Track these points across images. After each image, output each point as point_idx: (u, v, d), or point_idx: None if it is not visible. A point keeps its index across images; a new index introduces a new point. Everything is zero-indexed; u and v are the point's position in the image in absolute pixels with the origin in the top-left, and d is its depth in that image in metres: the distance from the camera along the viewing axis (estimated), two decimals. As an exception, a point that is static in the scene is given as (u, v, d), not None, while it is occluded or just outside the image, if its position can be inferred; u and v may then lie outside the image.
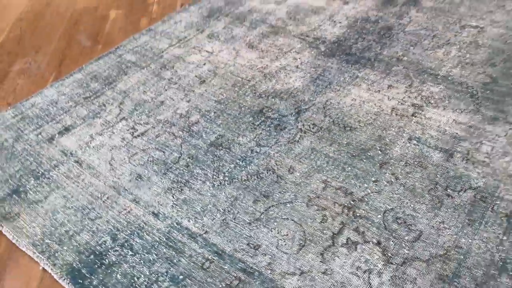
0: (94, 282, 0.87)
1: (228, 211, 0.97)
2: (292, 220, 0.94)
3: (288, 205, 0.97)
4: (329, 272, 0.84)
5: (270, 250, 0.88)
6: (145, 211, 0.99)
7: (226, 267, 0.87)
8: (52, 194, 1.05)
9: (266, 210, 0.96)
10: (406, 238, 0.88)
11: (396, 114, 1.16)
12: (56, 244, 0.94)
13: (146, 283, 0.85)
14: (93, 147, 1.17)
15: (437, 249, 0.85)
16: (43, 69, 1.51)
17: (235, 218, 0.95)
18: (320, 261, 0.86)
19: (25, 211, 1.02)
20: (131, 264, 0.89)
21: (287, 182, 1.01)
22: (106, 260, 0.90)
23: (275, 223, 0.93)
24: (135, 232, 0.95)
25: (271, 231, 0.92)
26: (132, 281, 0.86)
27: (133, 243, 0.93)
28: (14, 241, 0.96)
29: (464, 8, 1.53)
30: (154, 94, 1.32)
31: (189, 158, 1.11)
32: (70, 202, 1.03)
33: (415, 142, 1.07)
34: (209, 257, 0.89)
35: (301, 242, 0.89)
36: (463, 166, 1.00)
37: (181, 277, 0.86)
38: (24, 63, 1.55)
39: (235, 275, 0.85)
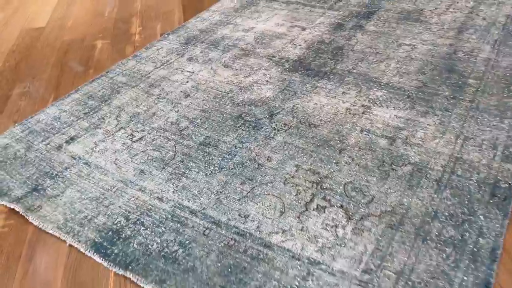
0: (115, 251, 1.06)
1: (221, 192, 1.19)
2: (273, 195, 1.17)
3: (269, 184, 1.20)
4: (305, 229, 1.07)
5: (257, 218, 1.11)
6: (150, 197, 1.20)
7: (223, 232, 1.08)
8: (68, 189, 1.24)
9: (251, 189, 1.19)
10: (362, 201, 1.13)
11: (350, 113, 1.43)
12: (78, 226, 1.13)
13: (158, 249, 1.05)
14: (98, 151, 1.37)
15: (386, 207, 1.10)
16: (41, 92, 1.70)
17: (226, 197, 1.17)
18: (297, 222, 1.09)
19: (46, 204, 1.20)
20: (144, 236, 1.09)
21: (266, 168, 1.25)
22: (123, 234, 1.10)
23: (260, 198, 1.16)
24: (145, 213, 1.15)
25: (257, 204, 1.15)
26: (147, 248, 1.06)
27: (144, 221, 1.13)
28: (40, 226, 1.14)
29: (399, 31, 1.86)
30: (146, 108, 1.54)
31: (183, 155, 1.32)
32: (85, 195, 1.22)
33: (365, 133, 1.34)
34: (209, 226, 1.10)
35: (281, 210, 1.12)
36: (403, 148, 1.27)
37: (187, 242, 1.06)
38: (23, 87, 1.73)
39: (231, 237, 1.07)
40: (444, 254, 0.98)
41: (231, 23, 2.06)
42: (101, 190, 1.23)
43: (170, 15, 2.22)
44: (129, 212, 1.16)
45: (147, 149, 1.36)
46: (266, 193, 1.17)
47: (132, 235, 1.09)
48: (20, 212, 1.18)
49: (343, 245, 1.02)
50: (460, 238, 1.01)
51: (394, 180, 1.18)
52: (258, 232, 1.07)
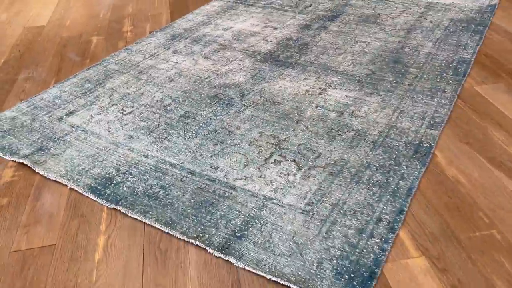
0: (108, 192, 1.29)
1: (196, 151, 1.44)
2: (239, 153, 1.42)
3: (236, 146, 1.45)
4: (263, 176, 1.32)
5: (225, 169, 1.36)
6: (137, 155, 1.44)
7: (197, 179, 1.33)
8: (68, 149, 1.48)
9: (222, 149, 1.44)
10: (311, 157, 1.38)
11: (308, 94, 1.69)
12: (77, 175, 1.36)
13: (143, 191, 1.29)
14: (94, 121, 1.61)
15: (330, 160, 1.36)
16: (44, 76, 1.94)
17: (201, 155, 1.42)
18: (257, 172, 1.34)
19: (50, 159, 1.43)
20: (131, 182, 1.33)
21: (236, 134, 1.50)
22: (114, 181, 1.34)
23: (228, 155, 1.41)
24: (133, 166, 1.39)
25: (225, 159, 1.39)
26: (134, 190, 1.30)
27: (132, 171, 1.37)
28: (45, 175, 1.37)
29: (358, 31, 2.15)
30: (135, 89, 1.79)
31: (166, 125, 1.57)
32: (83, 153, 1.46)
33: (319, 108, 1.61)
34: (185, 175, 1.34)
35: (245, 163, 1.37)
36: (349, 119, 1.54)
37: (167, 185, 1.31)
38: (28, 73, 1.98)
39: (203, 182, 1.31)
40: (371, 192, 1.24)
41: (212, 23, 2.34)
42: (96, 150, 1.47)
43: (159, 17, 2.49)
44: (120, 165, 1.40)
45: (136, 120, 1.60)
46: (233, 152, 1.42)
47: (121, 182, 1.33)
48: (28, 165, 1.41)
49: (292, 187, 1.27)
50: (385, 181, 1.27)
51: (338, 142, 1.44)
52: (225, 179, 1.32)
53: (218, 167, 1.36)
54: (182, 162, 1.39)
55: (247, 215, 1.20)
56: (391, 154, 1.37)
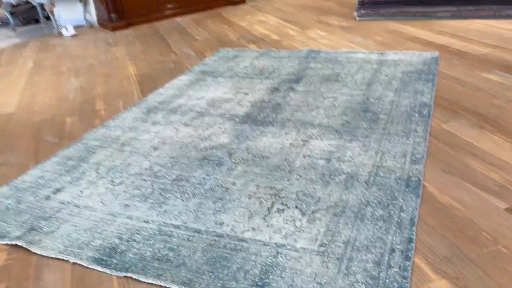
0: (115, 261, 1.25)
1: (197, 210, 1.44)
2: (241, 207, 1.43)
3: (236, 201, 1.47)
4: (270, 225, 1.33)
5: (231, 223, 1.36)
6: (138, 221, 1.41)
7: (204, 237, 1.32)
8: (62, 225, 1.43)
9: (222, 205, 1.45)
10: (311, 201, 1.42)
11: (293, 146, 1.77)
12: (77, 249, 1.31)
13: (152, 255, 1.26)
14: (85, 196, 1.58)
15: (330, 203, 1.41)
16: (21, 160, 1.90)
17: (203, 213, 1.42)
18: (263, 221, 1.35)
19: (45, 238, 1.37)
20: (137, 248, 1.29)
21: (232, 191, 1.53)
22: (119, 249, 1.29)
23: (230, 210, 1.42)
24: (135, 233, 1.36)
25: (228, 214, 1.40)
26: (142, 255, 1.26)
27: (135, 238, 1.34)
28: (43, 254, 1.31)
29: (323, 89, 2.32)
30: (121, 161, 1.79)
31: (160, 190, 1.57)
32: (79, 227, 1.41)
33: (307, 157, 1.68)
34: (191, 234, 1.33)
35: (249, 216, 1.39)
36: (337, 164, 1.62)
37: (175, 246, 1.28)
38: (3, 159, 1.92)
39: (211, 238, 1.30)
40: (377, 226, 1.28)
41: (185, 94, 2.43)
42: (93, 222, 1.43)
43: (130, 94, 2.55)
44: (121, 234, 1.36)
45: (128, 189, 1.59)
46: (235, 206, 1.44)
47: (127, 249, 1.29)
48: (23, 246, 1.34)
49: (301, 231, 1.30)
50: (387, 215, 1.33)
51: (333, 185, 1.50)
52: (233, 232, 1.32)
53: (223, 223, 1.37)
54: (185, 223, 1.38)
55: (264, 263, 1.19)
56: (385, 190, 1.44)
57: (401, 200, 1.38)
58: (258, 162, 1.68)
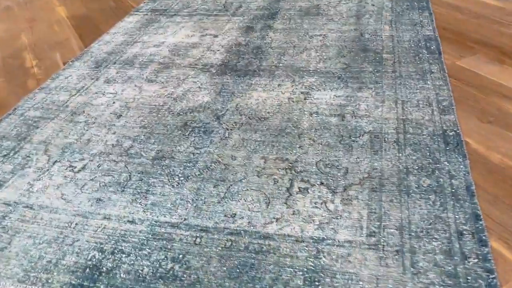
0: (101, 286, 0.91)
1: (196, 199, 1.11)
2: (252, 189, 1.13)
3: (243, 181, 1.15)
4: (296, 212, 1.05)
5: (245, 214, 1.06)
6: (119, 223, 1.07)
7: (215, 237, 1.01)
8: (15, 238, 1.05)
9: (227, 189, 1.13)
10: (339, 174, 1.14)
11: (293, 101, 1.45)
12: (44, 274, 0.95)
13: (152, 271, 0.94)
14: (37, 191, 1.18)
15: (363, 174, 1.14)
16: None
17: (205, 203, 1.10)
18: (286, 208, 1.06)
19: (-8, 261, 1.00)
20: (129, 263, 0.96)
21: (234, 166, 1.20)
22: (103, 268, 0.96)
23: (240, 195, 1.11)
24: (120, 240, 1.02)
25: (239, 201, 1.09)
26: (137, 274, 0.94)
27: (122, 248, 1.00)
28: (-5, 287, 0.94)
29: (306, 25, 1.97)
30: (77, 136, 1.39)
31: (138, 173, 1.21)
32: (39, 239, 1.04)
33: (315, 115, 1.38)
34: (197, 235, 1.01)
35: (266, 201, 1.09)
36: (354, 121, 1.33)
37: (180, 256, 0.97)
38: None
39: (226, 238, 1.00)
40: (430, 202, 1.04)
41: (139, 41, 1.98)
42: (57, 229, 1.06)
43: (67, 44, 2.05)
44: (102, 243, 1.01)
45: (96, 176, 1.21)
46: (244, 189, 1.13)
47: (114, 266, 0.96)
48: (-39, 278, 0.96)
49: (339, 217, 1.02)
50: (436, 184, 1.08)
51: (358, 150, 1.22)
52: (252, 227, 1.02)
53: (235, 214, 1.06)
54: (184, 219, 1.06)
55: (305, 269, 0.92)
56: (423, 151, 1.19)
57: (445, 163, 1.14)
58: (256, 126, 1.35)
